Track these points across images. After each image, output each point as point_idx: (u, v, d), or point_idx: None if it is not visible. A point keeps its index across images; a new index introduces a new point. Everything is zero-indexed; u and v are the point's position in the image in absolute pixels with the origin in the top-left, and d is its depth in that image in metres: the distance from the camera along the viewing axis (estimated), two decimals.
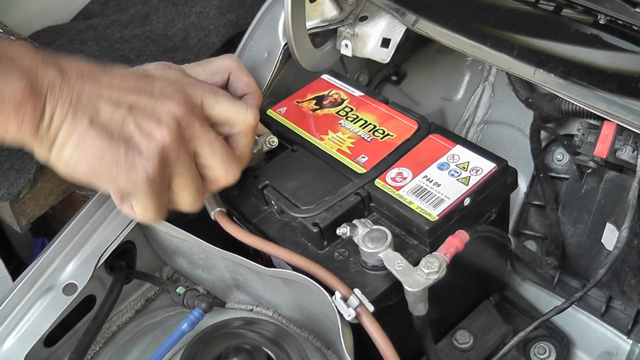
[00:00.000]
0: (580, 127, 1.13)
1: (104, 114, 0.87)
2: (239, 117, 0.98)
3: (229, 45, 1.63)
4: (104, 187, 0.90)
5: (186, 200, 0.96)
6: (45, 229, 1.70)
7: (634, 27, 1.02)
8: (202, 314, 1.01)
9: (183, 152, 0.91)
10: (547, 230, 1.23)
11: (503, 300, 1.25)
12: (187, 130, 0.91)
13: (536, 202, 1.28)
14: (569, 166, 1.25)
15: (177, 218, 1.22)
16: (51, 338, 1.10)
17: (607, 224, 1.09)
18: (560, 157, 1.27)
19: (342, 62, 1.41)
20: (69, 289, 1.08)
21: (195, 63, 1.13)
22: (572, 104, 1.15)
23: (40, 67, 0.84)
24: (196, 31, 1.63)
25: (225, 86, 1.18)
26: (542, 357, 1.15)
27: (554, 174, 1.27)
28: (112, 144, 0.86)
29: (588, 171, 1.17)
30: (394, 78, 1.53)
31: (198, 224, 1.09)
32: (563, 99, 1.15)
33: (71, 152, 0.86)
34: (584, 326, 1.18)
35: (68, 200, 1.47)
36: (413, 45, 1.50)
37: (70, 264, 1.10)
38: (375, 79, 1.51)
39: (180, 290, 1.07)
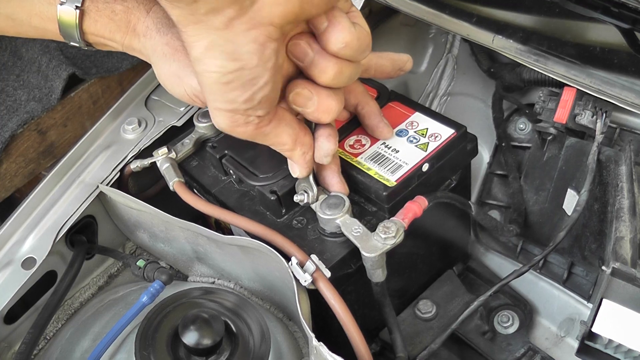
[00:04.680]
0: (541, 95, 1.13)
1: None
2: None
3: None
4: None
5: None
6: (12, 211, 1.68)
7: None
8: (162, 286, 1.00)
9: None
10: (510, 199, 1.23)
11: (467, 270, 1.25)
12: None
13: (499, 172, 1.28)
14: (531, 135, 1.25)
15: (138, 192, 1.22)
16: (12, 315, 1.08)
17: (568, 189, 1.09)
18: (522, 127, 1.27)
19: None
20: (28, 263, 1.06)
21: None
22: (534, 72, 1.15)
23: None
24: None
25: None
26: (505, 325, 1.15)
27: (516, 143, 1.27)
28: None
29: (549, 138, 1.17)
30: None
31: (160, 200, 1.08)
32: (524, 67, 1.16)
33: None
34: (547, 293, 1.18)
35: (35, 182, 1.45)
36: (376, 19, 1.49)
37: (29, 238, 1.09)
38: None
39: (140, 263, 1.06)
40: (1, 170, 1.32)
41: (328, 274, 0.88)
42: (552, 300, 1.18)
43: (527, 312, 1.17)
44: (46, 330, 1.09)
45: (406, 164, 0.98)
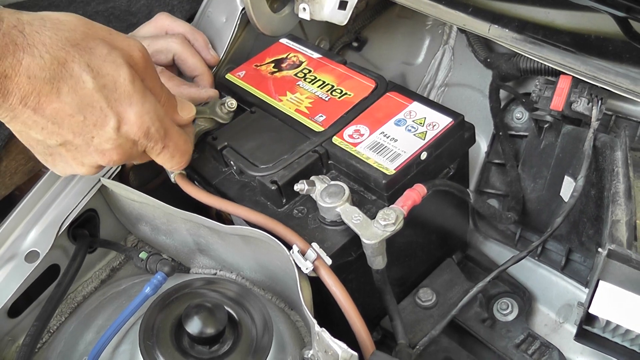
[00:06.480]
0: (538, 83, 1.13)
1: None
2: None
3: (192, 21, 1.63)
4: None
5: None
6: (12, 209, 1.68)
7: None
8: (164, 278, 1.00)
9: None
10: (508, 187, 1.24)
11: (466, 259, 1.26)
12: None
13: (497, 161, 1.29)
14: (528, 124, 1.26)
15: (139, 185, 1.23)
16: (15, 309, 1.09)
17: (565, 176, 1.10)
18: (519, 116, 1.28)
19: (302, 29, 1.41)
20: (31, 256, 1.07)
21: (142, 36, 1.14)
22: (530, 61, 1.16)
23: None
24: (160, 7, 1.62)
25: (172, 65, 1.19)
26: (504, 312, 1.16)
27: (513, 132, 1.28)
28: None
29: (546, 126, 1.18)
30: (355, 44, 1.54)
31: (161, 193, 1.09)
32: (521, 57, 1.17)
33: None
34: (545, 280, 1.19)
35: (34, 180, 1.46)
36: (373, 11, 1.50)
37: (32, 231, 1.09)
38: (337, 45, 1.51)
39: (143, 255, 1.07)
40: (1, 168, 1.32)
41: (329, 261, 0.89)
42: (551, 287, 1.19)
43: (526, 299, 1.18)
44: (50, 324, 1.10)
45: (405, 152, 0.99)
